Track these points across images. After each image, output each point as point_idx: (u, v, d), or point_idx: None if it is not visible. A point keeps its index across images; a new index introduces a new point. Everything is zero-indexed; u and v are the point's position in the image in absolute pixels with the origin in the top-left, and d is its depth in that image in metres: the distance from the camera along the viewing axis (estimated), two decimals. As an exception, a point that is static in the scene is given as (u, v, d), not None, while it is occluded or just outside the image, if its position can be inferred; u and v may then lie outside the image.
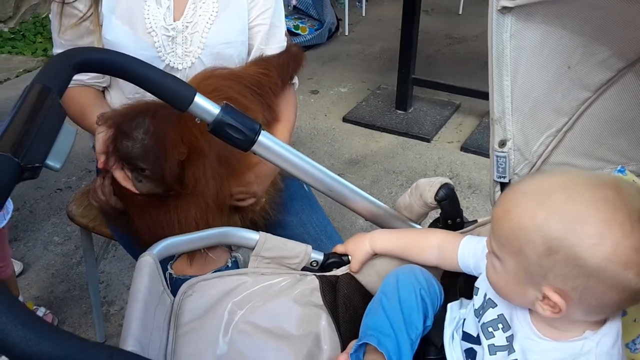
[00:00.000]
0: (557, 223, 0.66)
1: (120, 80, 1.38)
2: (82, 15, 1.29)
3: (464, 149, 2.88)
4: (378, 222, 1.07)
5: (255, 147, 0.95)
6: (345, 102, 3.36)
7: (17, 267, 2.15)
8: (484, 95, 3.02)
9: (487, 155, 2.85)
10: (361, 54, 4.03)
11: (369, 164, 2.83)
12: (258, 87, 1.23)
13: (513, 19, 0.89)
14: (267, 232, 1.03)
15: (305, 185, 1.52)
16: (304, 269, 1.03)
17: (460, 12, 4.73)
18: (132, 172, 1.08)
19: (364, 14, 4.72)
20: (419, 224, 1.08)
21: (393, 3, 4.82)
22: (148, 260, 0.85)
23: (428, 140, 2.96)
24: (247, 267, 1.00)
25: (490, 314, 0.78)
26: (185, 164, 1.06)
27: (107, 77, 1.43)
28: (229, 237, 0.98)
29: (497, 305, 0.78)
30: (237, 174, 1.15)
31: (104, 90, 1.47)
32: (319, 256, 1.03)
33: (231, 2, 1.37)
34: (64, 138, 0.65)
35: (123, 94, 1.40)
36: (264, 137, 0.95)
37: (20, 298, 1.92)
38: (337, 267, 1.04)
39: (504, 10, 0.89)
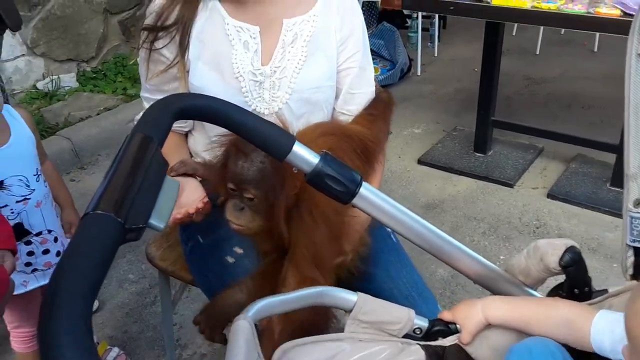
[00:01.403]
0: None
1: (206, 123, 1.35)
2: (169, 62, 1.28)
3: (551, 195, 2.70)
4: (488, 286, 0.96)
5: (355, 200, 0.87)
6: (419, 144, 3.26)
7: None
8: (570, 139, 2.87)
9: (576, 204, 2.67)
10: (434, 95, 3.94)
11: (448, 209, 2.70)
12: (365, 153, 1.16)
13: (654, 64, 0.78)
14: (351, 286, 0.95)
15: (393, 235, 1.42)
16: (406, 336, 0.93)
17: (537, 52, 4.57)
18: (233, 199, 1.01)
19: (436, 54, 4.65)
20: (535, 290, 0.96)
21: (466, 43, 4.73)
22: (244, 325, 0.77)
23: (511, 186, 2.81)
24: (344, 332, 0.91)
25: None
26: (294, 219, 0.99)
27: (191, 121, 1.40)
28: (326, 298, 0.89)
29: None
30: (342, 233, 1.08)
31: (186, 134, 1.44)
32: (423, 323, 0.93)
33: (320, 45, 1.32)
34: (167, 192, 0.59)
35: (207, 137, 1.37)
36: (365, 190, 0.87)
37: (94, 337, 1.90)
38: (444, 336, 0.93)
39: (645, 53, 0.78)
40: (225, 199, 1.04)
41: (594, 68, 4.21)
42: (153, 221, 0.54)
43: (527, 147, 3.11)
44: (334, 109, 1.38)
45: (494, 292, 0.96)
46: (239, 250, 1.29)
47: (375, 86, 1.40)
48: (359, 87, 1.36)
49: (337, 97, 1.37)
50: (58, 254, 1.60)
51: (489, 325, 0.88)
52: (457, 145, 3.16)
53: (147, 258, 1.55)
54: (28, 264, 1.56)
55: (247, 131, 0.82)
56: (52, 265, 1.59)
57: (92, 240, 0.47)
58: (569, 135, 2.89)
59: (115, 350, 1.91)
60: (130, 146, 0.60)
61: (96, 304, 2.15)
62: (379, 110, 1.34)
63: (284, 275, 1.06)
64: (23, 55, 3.70)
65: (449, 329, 0.93)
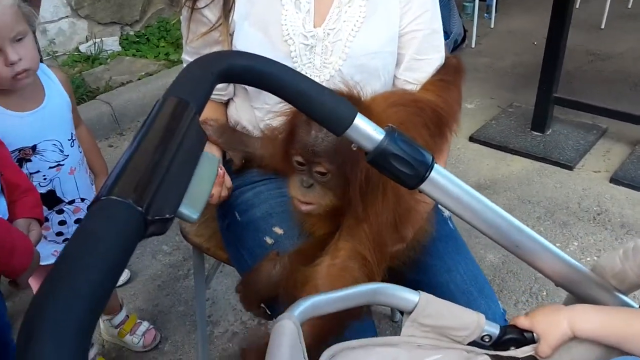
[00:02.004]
0: None
1: (250, 89, 1.23)
2: (211, 25, 1.17)
3: (615, 180, 2.50)
4: (572, 290, 0.82)
5: (424, 185, 0.73)
6: (472, 120, 3.08)
7: (124, 275, 2.09)
8: (637, 120, 2.63)
9: (643, 190, 2.42)
10: (489, 68, 3.72)
11: (500, 190, 2.53)
12: (437, 125, 1.02)
13: None
14: (402, 277, 0.86)
15: (450, 221, 1.28)
16: (472, 343, 0.80)
17: (602, 27, 4.26)
18: (299, 175, 0.90)
19: (492, 26, 4.39)
20: (627, 296, 0.82)
21: (525, 15, 4.46)
22: (288, 325, 0.65)
23: (570, 168, 2.61)
24: (400, 335, 0.79)
25: None
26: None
27: (231, 87, 1.28)
28: (382, 296, 0.77)
29: None
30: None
31: (226, 103, 1.32)
32: (493, 329, 0.79)
33: (379, 5, 1.17)
34: (203, 171, 0.47)
35: (250, 104, 1.25)
36: (437, 173, 0.73)
37: (124, 310, 1.84)
38: (516, 346, 0.79)
39: None
40: (288, 174, 0.93)
41: (663, 45, 3.91)
42: (185, 210, 0.42)
43: (590, 127, 2.89)
44: (395, 77, 1.24)
45: (580, 297, 0.82)
46: (279, 231, 1.18)
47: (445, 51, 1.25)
48: (427, 52, 1.21)
49: (399, 63, 1.23)
50: (91, 223, 1.52)
51: (573, 337, 0.75)
52: (513, 123, 2.96)
53: (182, 233, 1.45)
54: (59, 234, 1.49)
55: (302, 99, 0.69)
56: None
57: (102, 235, 0.35)
58: (636, 115, 2.67)
59: (145, 325, 1.85)
60: (160, 113, 0.48)
61: (128, 274, 2.10)
62: (451, 76, 1.19)
63: (335, 245, 0.95)
64: (67, 16, 3.64)
65: (524, 337, 0.80)
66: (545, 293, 2.00)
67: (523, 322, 0.79)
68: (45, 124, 1.41)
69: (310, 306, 0.70)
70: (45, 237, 1.43)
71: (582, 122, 2.94)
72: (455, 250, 1.21)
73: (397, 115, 0.87)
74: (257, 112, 1.23)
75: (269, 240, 1.18)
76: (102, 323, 1.85)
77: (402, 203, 0.94)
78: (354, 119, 0.69)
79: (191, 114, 0.49)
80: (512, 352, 0.79)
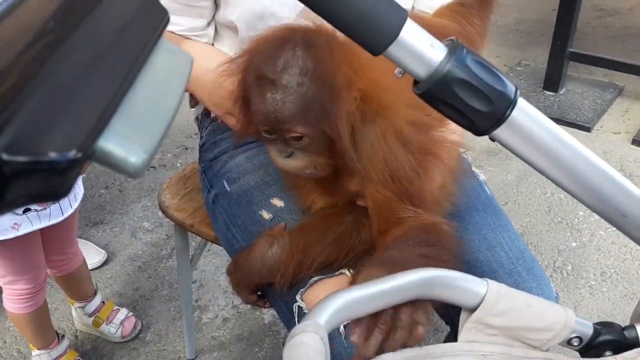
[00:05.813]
0: None
1: (241, 24, 0.99)
2: None
3: (637, 142, 2.29)
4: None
5: (500, 130, 0.50)
6: (477, 80, 2.84)
7: (100, 256, 1.85)
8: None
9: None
10: (492, 26, 3.46)
11: (513, 155, 2.29)
12: None
13: None
14: None
15: (486, 187, 1.06)
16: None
17: (609, -20, 4.02)
18: (274, 144, 0.73)
19: (491, -18, 4.12)
20: None
21: (525, -31, 4.19)
22: (310, 341, 0.42)
23: (588, 129, 2.40)
24: (457, 340, 0.56)
25: None
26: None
27: (211, 29, 1.05)
28: (436, 288, 0.54)
29: None
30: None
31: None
32: (585, 329, 0.57)
33: None
34: (164, 72, 0.22)
35: (237, 38, 1.01)
36: (520, 112, 0.50)
37: (99, 295, 1.60)
38: (615, 351, 0.58)
39: None
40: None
41: (674, -1, 3.68)
42: (112, 145, 0.18)
43: (606, 85, 2.67)
44: (412, 7, 1.03)
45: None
46: (278, 203, 0.96)
47: None
48: None
49: None
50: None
51: None
52: (523, 82, 2.73)
53: (160, 208, 1.22)
54: (17, 204, 1.24)
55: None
56: (48, 204, 1.26)
57: None
58: (657, 72, 2.45)
59: (124, 312, 1.62)
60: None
61: (104, 255, 1.86)
62: (475, 2, 0.96)
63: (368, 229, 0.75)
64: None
65: (625, 338, 0.58)
66: (570, 267, 1.80)
67: None
68: None
69: (342, 308, 0.47)
70: (3, 207, 1.20)
71: (597, 80, 2.71)
72: (496, 222, 0.99)
73: None
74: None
75: (265, 215, 0.95)
76: (74, 311, 1.62)
77: (414, 147, 0.73)
78: (401, 27, 0.46)
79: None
80: (609, 358, 0.57)
